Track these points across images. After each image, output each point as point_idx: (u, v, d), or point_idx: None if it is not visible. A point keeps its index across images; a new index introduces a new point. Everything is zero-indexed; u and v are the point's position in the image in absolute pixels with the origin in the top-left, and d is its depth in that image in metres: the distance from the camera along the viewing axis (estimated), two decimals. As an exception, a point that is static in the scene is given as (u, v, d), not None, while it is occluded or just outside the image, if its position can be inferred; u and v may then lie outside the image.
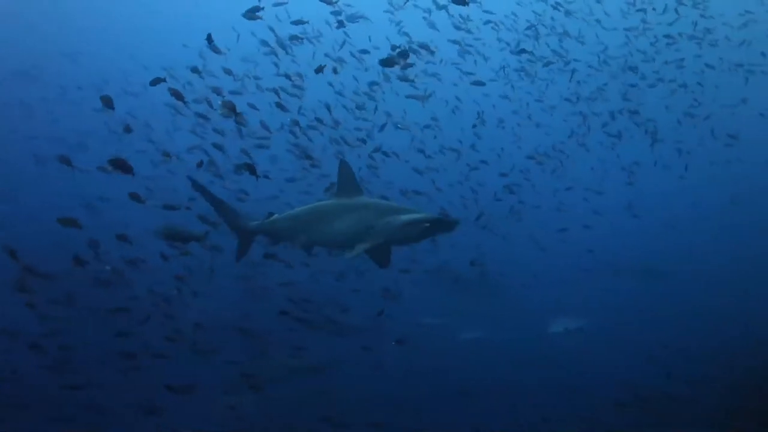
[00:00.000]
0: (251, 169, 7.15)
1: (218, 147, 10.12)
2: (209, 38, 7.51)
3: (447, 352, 12.43)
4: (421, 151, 13.54)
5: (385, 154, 10.44)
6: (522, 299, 14.33)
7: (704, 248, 16.42)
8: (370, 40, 12.54)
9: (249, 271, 11.88)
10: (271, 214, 7.55)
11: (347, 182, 6.78)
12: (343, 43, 12.56)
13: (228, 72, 10.38)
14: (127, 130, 8.11)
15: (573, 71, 14.74)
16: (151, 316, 9.44)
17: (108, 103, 7.25)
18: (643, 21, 15.55)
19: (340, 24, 10.94)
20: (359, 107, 12.28)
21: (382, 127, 11.17)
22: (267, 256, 8.71)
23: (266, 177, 10.38)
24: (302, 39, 10.68)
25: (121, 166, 6.34)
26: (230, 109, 7.86)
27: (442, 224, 6.17)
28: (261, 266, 11.81)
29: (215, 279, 11.92)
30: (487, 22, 14.45)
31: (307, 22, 10.43)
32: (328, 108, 10.67)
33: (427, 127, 14.25)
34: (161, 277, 10.54)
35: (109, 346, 8.48)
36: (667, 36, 15.22)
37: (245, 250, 7.41)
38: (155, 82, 7.39)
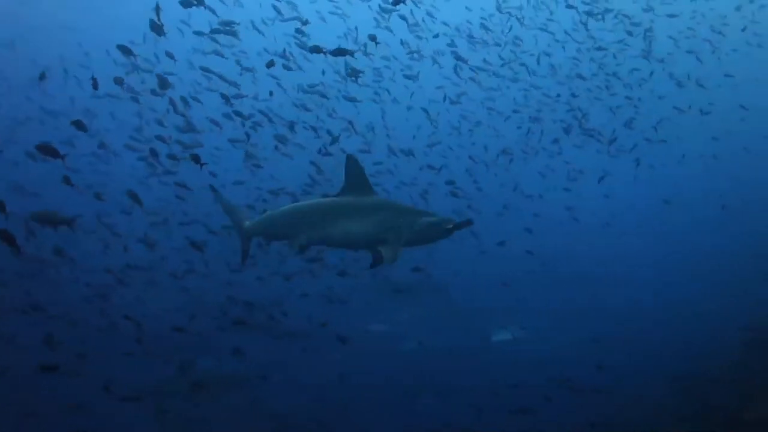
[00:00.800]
0: (196, 159, 7.02)
1: (162, 139, 9.84)
2: (157, 8, 7.31)
3: (390, 356, 12.49)
4: (367, 151, 13.46)
5: (329, 153, 10.34)
6: (463, 302, 14.52)
7: (639, 249, 17.10)
8: (328, 54, 12.42)
9: (191, 270, 11.61)
10: (265, 210, 7.09)
11: (356, 179, 6.16)
12: (314, 47, 12.28)
13: (170, 56, 10.03)
14: (80, 126, 7.67)
15: (531, 74, 14.95)
16: (84, 315, 9.11)
17: (43, 77, 7.08)
18: (586, 29, 16.10)
19: (303, 24, 10.72)
20: (308, 109, 12.13)
21: (335, 140, 10.84)
22: (194, 246, 8.47)
23: (212, 175, 10.17)
24: (237, 29, 10.28)
25: (49, 152, 6.22)
26: (163, 86, 7.68)
27: (462, 225, 6.08)
28: (211, 265, 11.57)
29: (154, 277, 11.61)
30: (436, 35, 14.58)
31: (238, 23, 10.13)
32: (270, 93, 10.33)
33: (372, 130, 14.23)
34: (97, 272, 10.20)
35: (37, 349, 8.08)
36: (599, 48, 15.80)
37: (247, 253, 6.99)
38: (95, 84, 7.16)
